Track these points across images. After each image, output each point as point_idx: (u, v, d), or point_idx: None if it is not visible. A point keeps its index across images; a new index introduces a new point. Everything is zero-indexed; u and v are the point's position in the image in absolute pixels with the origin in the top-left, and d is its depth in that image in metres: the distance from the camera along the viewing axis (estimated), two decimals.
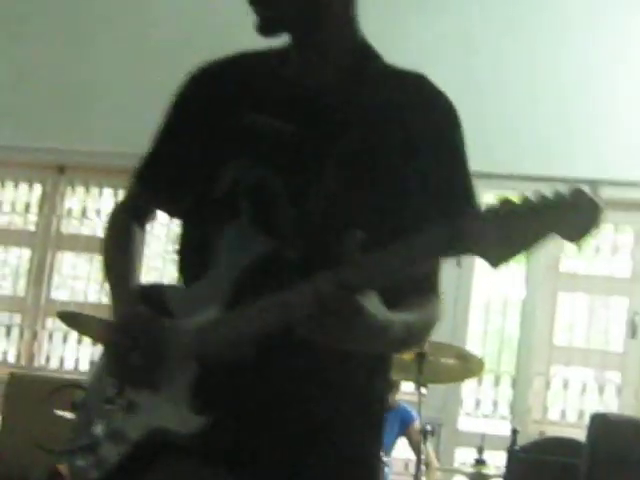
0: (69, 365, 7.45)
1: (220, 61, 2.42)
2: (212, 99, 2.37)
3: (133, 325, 2.13)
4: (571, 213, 1.77)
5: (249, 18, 2.19)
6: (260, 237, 2.13)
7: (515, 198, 1.78)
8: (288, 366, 2.06)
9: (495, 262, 1.80)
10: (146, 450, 2.11)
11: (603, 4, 6.71)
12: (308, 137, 2.21)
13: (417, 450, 5.47)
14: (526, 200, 1.77)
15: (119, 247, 2.44)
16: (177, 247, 2.42)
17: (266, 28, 2.23)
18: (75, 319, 5.83)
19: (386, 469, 5.21)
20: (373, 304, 1.92)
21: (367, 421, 2.24)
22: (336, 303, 1.86)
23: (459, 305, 6.78)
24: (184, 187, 2.38)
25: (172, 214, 2.55)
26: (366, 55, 2.38)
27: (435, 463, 5.25)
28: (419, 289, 2.17)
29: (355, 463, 2.19)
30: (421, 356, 4.86)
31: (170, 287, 2.39)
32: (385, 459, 5.15)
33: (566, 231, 1.79)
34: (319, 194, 2.18)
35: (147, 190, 2.48)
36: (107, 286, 2.40)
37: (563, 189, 1.77)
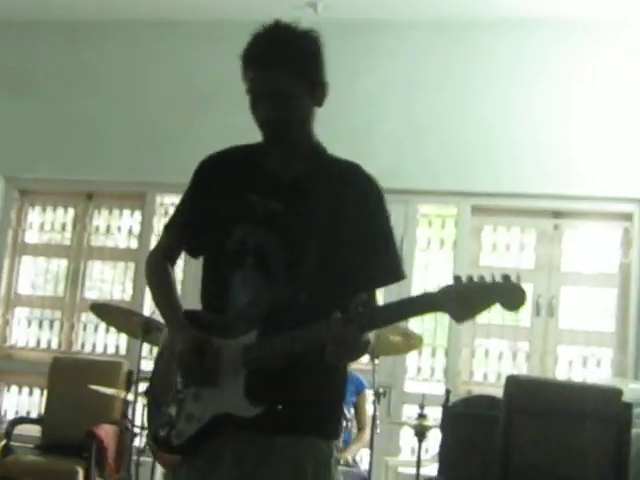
0: (99, 349, 7.46)
1: (222, 153, 2.76)
2: (219, 180, 2.71)
3: (200, 347, 2.52)
4: (506, 292, 2.32)
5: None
6: (279, 285, 2.57)
7: (467, 279, 2.30)
8: (297, 368, 2.50)
9: (459, 319, 2.32)
10: (212, 426, 2.54)
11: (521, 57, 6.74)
12: (292, 212, 2.58)
13: (359, 411, 5.55)
14: (476, 282, 2.29)
15: (162, 284, 2.79)
16: (201, 283, 2.74)
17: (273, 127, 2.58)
18: (104, 309, 5.84)
19: (349, 423, 5.22)
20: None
21: (334, 382, 2.66)
22: (348, 340, 2.37)
23: (402, 295, 6.80)
24: (201, 239, 2.73)
25: (192, 255, 2.86)
26: (320, 150, 2.74)
27: (368, 425, 5.21)
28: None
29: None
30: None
31: (203, 313, 2.70)
32: (347, 416, 5.16)
33: (505, 304, 2.33)
34: (307, 254, 2.58)
35: (175, 239, 2.81)
36: (159, 311, 2.78)
37: (496, 275, 2.31)
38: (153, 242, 7.38)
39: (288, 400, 2.50)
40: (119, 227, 7.63)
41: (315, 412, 2.58)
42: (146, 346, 5.44)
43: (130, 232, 7.59)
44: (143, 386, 5.44)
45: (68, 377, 6.59)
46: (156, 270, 2.82)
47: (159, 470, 6.20)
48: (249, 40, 2.58)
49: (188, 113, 7.21)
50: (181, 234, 2.80)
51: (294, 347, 2.44)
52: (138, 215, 7.54)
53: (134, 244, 7.55)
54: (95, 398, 6.00)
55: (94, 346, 7.50)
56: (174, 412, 2.60)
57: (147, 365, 5.74)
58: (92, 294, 7.53)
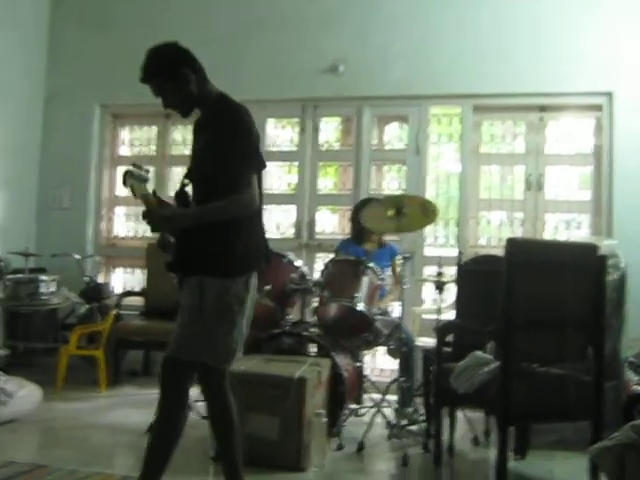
0: None
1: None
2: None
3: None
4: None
5: None
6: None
7: None
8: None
9: None
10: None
11: None
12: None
13: (394, 272, 5.57)
14: None
15: None
16: None
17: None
18: None
19: (384, 282, 5.28)
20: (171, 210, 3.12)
21: (215, 249, 3.11)
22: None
23: (420, 178, 6.81)
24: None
25: None
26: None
27: (400, 283, 5.25)
28: (223, 196, 3.02)
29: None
30: (399, 210, 4.89)
31: None
32: (382, 276, 5.22)
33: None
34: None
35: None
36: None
37: None
38: None
39: (185, 250, 3.14)
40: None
41: (200, 260, 3.11)
42: None
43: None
44: None
45: (161, 258, 6.68)
46: None
47: None
48: None
49: (241, 38, 7.12)
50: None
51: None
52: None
53: None
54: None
55: None
56: None
57: None
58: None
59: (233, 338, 3.16)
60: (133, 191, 3.12)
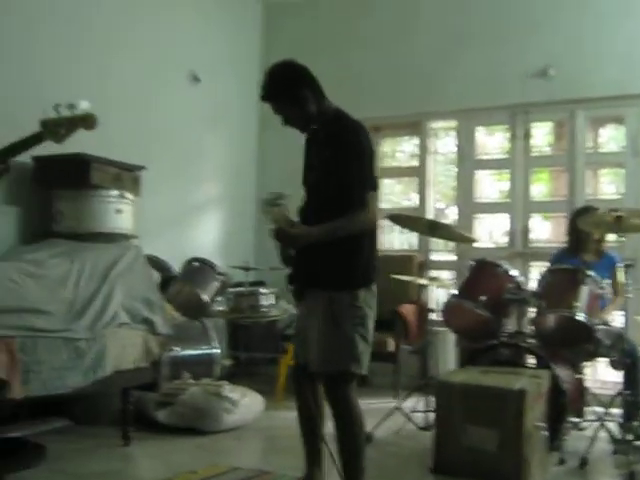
0: (396, 246, 7.59)
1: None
2: (305, 147, 3.55)
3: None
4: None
5: None
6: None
7: None
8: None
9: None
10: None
11: None
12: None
13: (615, 281, 5.29)
14: None
15: None
16: None
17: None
18: (397, 217, 5.88)
19: (605, 291, 5.04)
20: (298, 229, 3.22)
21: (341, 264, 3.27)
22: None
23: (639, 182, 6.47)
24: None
25: None
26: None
27: (622, 292, 4.99)
28: (350, 208, 3.16)
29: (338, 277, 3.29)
30: (619, 218, 4.66)
31: None
32: (602, 285, 4.99)
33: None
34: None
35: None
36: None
37: None
38: (429, 160, 7.42)
39: (309, 265, 3.29)
40: (402, 151, 7.70)
41: (329, 276, 3.26)
42: (434, 241, 5.46)
43: (411, 154, 7.64)
44: (433, 273, 5.53)
45: None
46: None
47: (451, 336, 6.30)
48: None
49: (449, 50, 7.13)
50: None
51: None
52: (416, 139, 7.57)
53: (415, 163, 7.58)
54: (397, 284, 6.13)
55: (392, 244, 7.65)
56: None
57: (435, 256, 5.84)
58: (384, 205, 7.63)
59: (368, 342, 3.31)
60: (270, 217, 3.34)
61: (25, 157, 4.36)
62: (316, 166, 3.36)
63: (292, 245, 3.30)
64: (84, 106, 2.78)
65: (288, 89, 3.31)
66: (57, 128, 2.75)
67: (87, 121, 2.76)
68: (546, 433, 4.31)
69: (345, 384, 3.29)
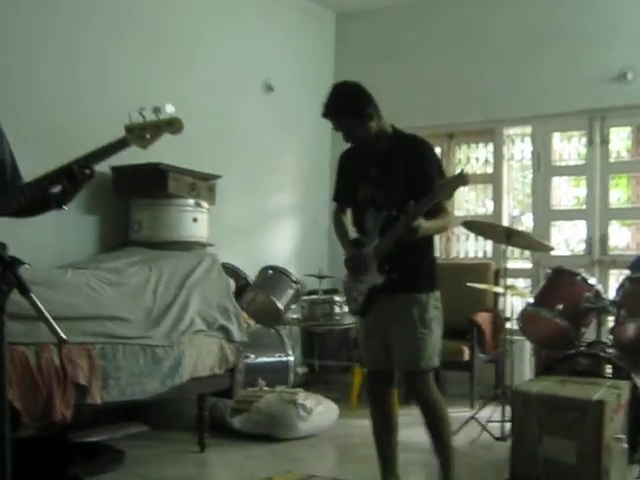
0: (471, 254, 7.58)
1: (348, 149, 3.82)
2: (352, 162, 3.78)
3: (353, 257, 3.62)
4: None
5: None
6: (383, 213, 3.55)
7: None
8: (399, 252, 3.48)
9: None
10: (370, 295, 3.59)
11: None
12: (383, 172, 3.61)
13: None
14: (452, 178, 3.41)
15: (341, 226, 3.80)
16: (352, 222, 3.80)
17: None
18: (472, 224, 5.81)
19: None
20: (422, 221, 3.29)
21: (422, 266, 3.63)
22: (406, 228, 3.30)
23: None
24: (348, 197, 3.77)
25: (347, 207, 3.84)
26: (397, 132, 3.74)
27: None
28: (439, 212, 3.43)
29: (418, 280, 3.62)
30: None
31: (358, 237, 3.69)
32: None
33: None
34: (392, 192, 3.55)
35: (338, 201, 3.86)
36: (340, 242, 3.80)
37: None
38: (504, 167, 7.33)
39: (397, 271, 3.51)
40: (477, 157, 7.63)
41: (413, 276, 3.56)
42: (509, 249, 5.38)
43: (486, 160, 7.56)
44: (509, 281, 5.46)
45: (449, 278, 6.67)
46: (335, 221, 3.83)
47: (527, 345, 6.21)
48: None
49: (523, 56, 7.04)
50: (338, 197, 3.84)
51: (391, 240, 3.42)
52: (490, 146, 7.49)
53: (489, 169, 7.50)
54: (472, 293, 6.08)
55: (466, 252, 7.58)
56: (355, 293, 3.68)
57: (511, 264, 5.73)
58: (459, 212, 7.57)
59: (441, 340, 3.69)
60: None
61: (104, 167, 4.44)
62: (388, 180, 3.57)
63: (414, 236, 3.41)
64: (170, 110, 2.70)
65: (356, 105, 3.53)
66: (142, 132, 2.69)
67: (173, 125, 2.69)
68: (626, 445, 4.20)
69: (429, 376, 3.63)
